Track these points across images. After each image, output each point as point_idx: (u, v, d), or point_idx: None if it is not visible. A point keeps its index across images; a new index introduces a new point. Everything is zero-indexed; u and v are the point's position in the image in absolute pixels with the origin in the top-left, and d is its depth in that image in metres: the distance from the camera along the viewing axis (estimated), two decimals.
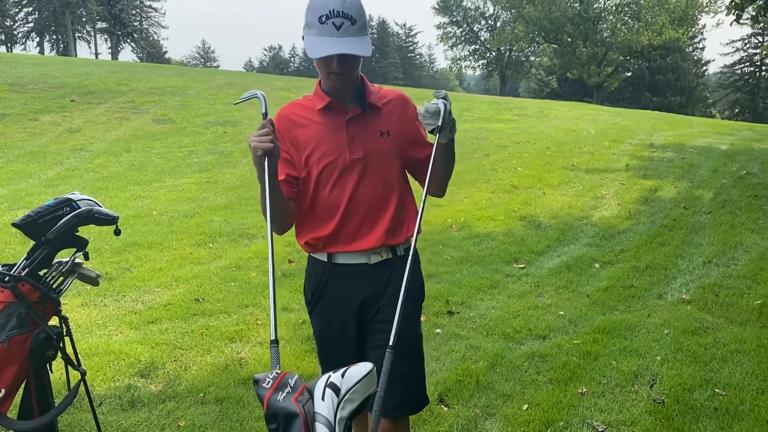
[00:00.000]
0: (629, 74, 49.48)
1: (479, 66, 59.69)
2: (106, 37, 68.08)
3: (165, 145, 12.85)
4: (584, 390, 3.58)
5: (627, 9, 46.04)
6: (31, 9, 63.67)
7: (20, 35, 64.23)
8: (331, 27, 1.91)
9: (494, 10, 56.72)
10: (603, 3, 47.04)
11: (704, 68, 52.33)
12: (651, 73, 47.94)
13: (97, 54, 66.64)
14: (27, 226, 2.48)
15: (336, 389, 1.26)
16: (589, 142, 12.86)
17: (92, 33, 66.82)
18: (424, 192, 1.99)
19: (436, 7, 56.47)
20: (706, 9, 43.70)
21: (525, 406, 3.41)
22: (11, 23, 63.85)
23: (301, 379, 1.31)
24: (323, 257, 2.19)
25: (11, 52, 56.75)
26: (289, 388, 1.27)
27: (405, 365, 2.16)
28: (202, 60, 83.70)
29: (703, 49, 55.63)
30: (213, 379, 3.68)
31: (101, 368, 3.76)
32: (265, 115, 1.99)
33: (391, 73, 73.35)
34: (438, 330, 4.41)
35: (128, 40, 68.63)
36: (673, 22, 43.10)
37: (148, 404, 3.40)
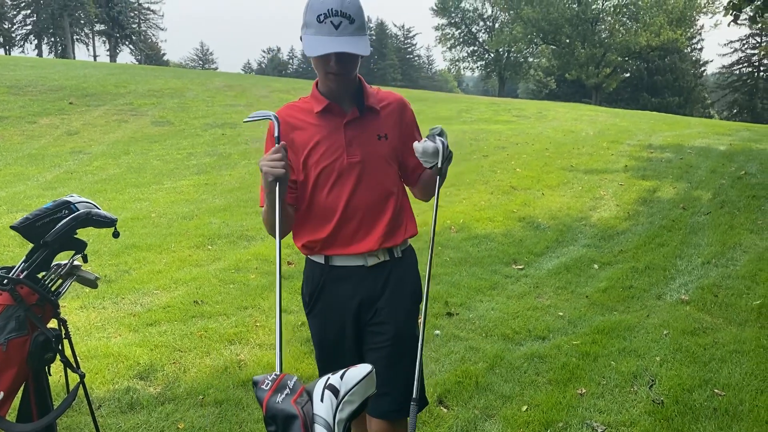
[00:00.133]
0: (627, 75, 49.51)
1: (478, 67, 59.74)
2: (104, 39, 68.06)
3: (163, 147, 12.85)
4: (583, 391, 3.58)
5: (625, 10, 46.08)
6: (29, 11, 63.66)
7: (18, 38, 64.20)
8: (329, 26, 1.91)
9: (492, 12, 56.81)
10: (601, 4, 47.10)
11: (702, 69, 52.39)
12: (649, 73, 47.98)
13: (95, 56, 66.67)
14: (25, 228, 2.47)
15: (335, 391, 1.26)
16: (588, 143, 12.86)
17: (90, 35, 66.82)
18: (435, 210, 1.99)
19: (435, 8, 56.54)
20: (704, 10, 43.80)
21: (524, 407, 3.41)
22: (9, 26, 63.81)
23: (300, 381, 1.30)
24: (320, 259, 2.19)
25: (9, 54, 56.77)
26: (288, 389, 1.26)
27: (402, 367, 2.16)
28: (201, 62, 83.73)
29: (701, 49, 55.62)
30: (212, 381, 3.67)
31: (100, 371, 3.76)
32: (278, 138, 1.99)
33: (389, 75, 73.39)
34: (437, 331, 4.41)
35: (126, 43, 68.61)
36: (671, 22, 43.15)
37: (147, 407, 3.40)
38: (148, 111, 16.47)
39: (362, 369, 1.31)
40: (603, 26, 47.24)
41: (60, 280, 2.57)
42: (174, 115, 16.22)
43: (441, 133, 2.15)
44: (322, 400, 1.25)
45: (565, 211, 7.88)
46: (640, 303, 5.06)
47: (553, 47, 48.80)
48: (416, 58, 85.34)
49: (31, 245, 2.53)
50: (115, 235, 2.69)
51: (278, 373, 1.31)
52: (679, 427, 3.21)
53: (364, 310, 2.17)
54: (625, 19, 46.34)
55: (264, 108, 18.31)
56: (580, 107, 23.88)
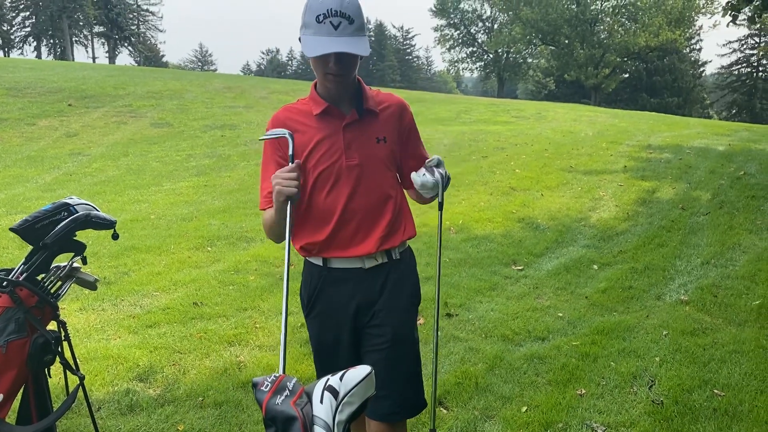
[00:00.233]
0: (627, 76, 49.57)
1: (477, 68, 59.77)
2: (103, 41, 68.07)
3: (163, 149, 12.85)
4: (583, 391, 3.58)
5: (624, 11, 46.12)
6: (28, 13, 63.66)
7: (17, 39, 64.20)
8: (328, 26, 1.90)
9: (491, 12, 56.84)
10: (600, 5, 47.13)
11: (701, 69, 52.46)
12: (648, 74, 48.04)
13: (94, 58, 66.69)
14: (25, 230, 2.48)
15: (334, 392, 1.26)
16: (587, 144, 12.87)
17: (89, 37, 66.81)
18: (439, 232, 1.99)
19: (434, 9, 56.59)
20: (703, 10, 43.82)
21: (524, 408, 3.41)
22: (8, 28, 63.81)
23: (300, 383, 1.31)
24: (318, 261, 2.19)
25: (8, 56, 56.78)
26: (287, 391, 1.27)
27: (401, 369, 2.16)
28: (200, 63, 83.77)
29: (700, 50, 55.77)
30: (212, 383, 3.67)
31: (100, 373, 3.76)
32: (292, 157, 1.98)
33: (388, 76, 73.43)
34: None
35: (125, 44, 68.60)
36: (670, 23, 43.18)
37: (146, 408, 3.40)
38: (147, 113, 16.47)
39: (362, 370, 1.31)
40: (602, 27, 47.27)
41: (59, 282, 2.57)
42: (173, 116, 16.23)
43: (439, 164, 2.15)
44: (321, 402, 1.25)
45: (565, 212, 7.88)
46: (639, 303, 5.06)
47: (552, 48, 48.84)
48: (415, 59, 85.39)
49: (30, 247, 2.53)
50: (115, 237, 2.69)
51: (278, 374, 1.31)
52: (679, 427, 3.21)
53: (362, 312, 2.16)
54: (623, 19, 46.37)
55: (263, 108, 18.25)
56: (579, 108, 23.91)
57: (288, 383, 1.28)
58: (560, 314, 4.79)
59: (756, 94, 49.93)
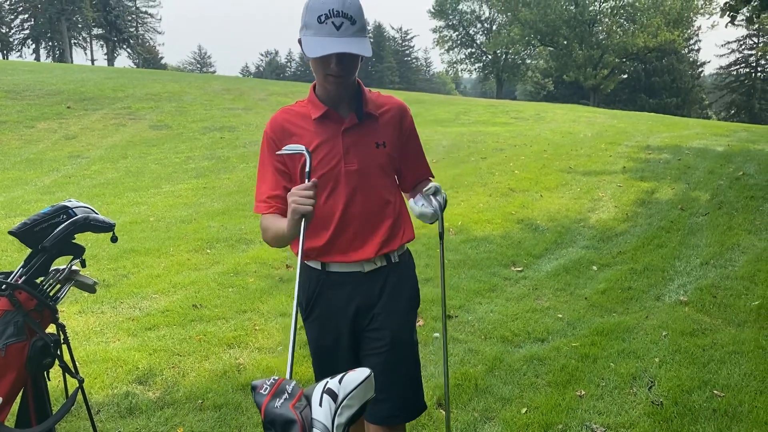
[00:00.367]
0: (625, 76, 49.62)
1: (475, 69, 59.85)
2: (102, 43, 68.10)
3: (162, 151, 12.85)
4: (583, 393, 3.58)
5: (622, 11, 46.18)
6: (26, 16, 63.69)
7: (16, 42, 64.23)
8: (330, 27, 1.87)
9: (490, 14, 56.89)
10: (598, 5, 47.18)
11: (700, 70, 52.53)
12: (647, 75, 48.09)
13: (93, 60, 66.68)
14: (23, 234, 2.47)
15: (333, 395, 1.26)
16: (586, 145, 12.87)
17: (88, 39, 66.83)
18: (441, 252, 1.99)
19: (432, 10, 56.64)
20: (701, 11, 43.85)
21: (524, 410, 3.40)
22: (7, 30, 63.84)
23: (299, 386, 1.30)
24: (317, 265, 2.17)
25: (7, 59, 56.75)
26: (286, 394, 1.26)
27: (400, 372, 2.16)
28: (199, 65, 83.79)
29: (698, 50, 55.84)
30: (211, 386, 3.67)
31: (99, 375, 3.75)
32: (309, 174, 1.93)
33: (387, 77, 73.48)
34: (436, 334, 4.40)
35: (124, 46, 68.65)
36: (668, 24, 43.23)
37: (146, 411, 3.39)
38: (146, 115, 16.47)
39: (361, 373, 1.30)
40: (600, 28, 47.32)
41: (58, 285, 2.57)
42: (172, 118, 16.22)
43: (436, 192, 2.12)
44: (320, 405, 1.25)
45: (564, 213, 7.88)
46: (638, 304, 5.06)
47: (551, 49, 48.88)
48: (414, 60, 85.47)
49: (29, 250, 2.53)
50: (113, 239, 2.69)
51: (277, 377, 1.31)
52: (679, 428, 3.21)
53: (361, 315, 2.16)
54: (622, 20, 46.43)
55: (262, 110, 18.26)
56: (578, 109, 23.92)
57: (287, 386, 1.28)
58: (560, 315, 4.79)
59: (754, 95, 49.99)
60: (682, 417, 3.30)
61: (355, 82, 2.09)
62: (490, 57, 56.31)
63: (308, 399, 1.27)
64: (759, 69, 51.26)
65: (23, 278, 2.46)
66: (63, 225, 2.50)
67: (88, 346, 4.18)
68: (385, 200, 2.14)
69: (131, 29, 68.95)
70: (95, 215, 2.61)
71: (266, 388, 1.26)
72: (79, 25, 64.57)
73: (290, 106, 2.18)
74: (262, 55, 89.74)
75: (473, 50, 58.17)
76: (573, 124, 16.84)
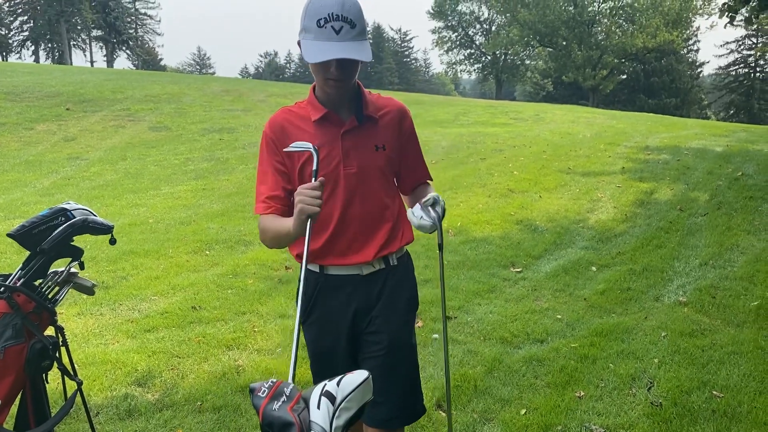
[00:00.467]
0: (624, 77, 49.63)
1: (475, 70, 59.90)
2: (101, 45, 68.14)
3: (161, 153, 12.85)
4: (582, 394, 3.58)
5: (621, 12, 46.20)
6: (26, 17, 63.72)
7: (15, 44, 64.25)
8: (329, 31, 1.85)
9: (489, 14, 56.92)
10: (597, 6, 47.21)
11: (699, 70, 52.55)
12: (646, 75, 48.11)
13: (92, 62, 66.70)
14: (22, 236, 2.47)
15: (331, 398, 1.26)
16: (585, 145, 12.88)
17: (87, 41, 66.86)
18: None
19: (431, 11, 56.66)
20: (700, 11, 43.87)
21: (523, 411, 3.40)
22: (6, 32, 63.85)
23: (297, 388, 1.30)
24: (315, 268, 2.16)
25: (6, 60, 56.73)
26: (284, 397, 1.26)
27: (398, 375, 2.15)
28: (198, 67, 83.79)
29: (697, 51, 56.00)
30: (210, 388, 3.67)
31: (98, 377, 3.75)
32: (316, 173, 1.90)
33: (386, 78, 73.50)
34: (436, 335, 4.41)
35: (123, 48, 68.69)
36: (667, 24, 43.26)
37: (145, 413, 3.39)
38: (145, 116, 16.47)
39: (359, 375, 1.30)
40: (599, 28, 47.34)
41: (57, 288, 2.56)
42: (171, 120, 16.22)
43: (435, 203, 2.08)
44: (318, 407, 1.25)
45: (563, 214, 7.88)
46: (638, 305, 5.06)
47: (550, 50, 48.89)
48: (413, 61, 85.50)
49: (27, 253, 2.53)
50: (112, 242, 2.69)
51: (275, 380, 1.31)
52: (678, 429, 3.21)
53: (360, 318, 2.15)
54: (621, 21, 46.45)
55: (262, 112, 18.24)
56: (577, 109, 23.93)
57: (285, 389, 1.28)
58: (559, 316, 4.79)
59: (753, 95, 50.04)
60: (681, 418, 3.31)
61: (355, 85, 2.07)
62: (489, 58, 56.34)
63: (306, 401, 1.27)
64: (758, 69, 51.32)
65: (21, 281, 2.45)
66: (61, 227, 2.49)
67: (87, 348, 4.18)
68: (384, 203, 2.13)
69: (130, 31, 68.99)
70: (94, 217, 2.61)
71: (264, 391, 1.26)
72: (79, 27, 64.59)
73: (290, 107, 2.16)
74: (261, 56, 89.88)
75: (472, 51, 58.20)
76: (572, 125, 16.84)
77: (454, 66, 59.29)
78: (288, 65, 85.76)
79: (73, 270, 2.62)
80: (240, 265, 5.99)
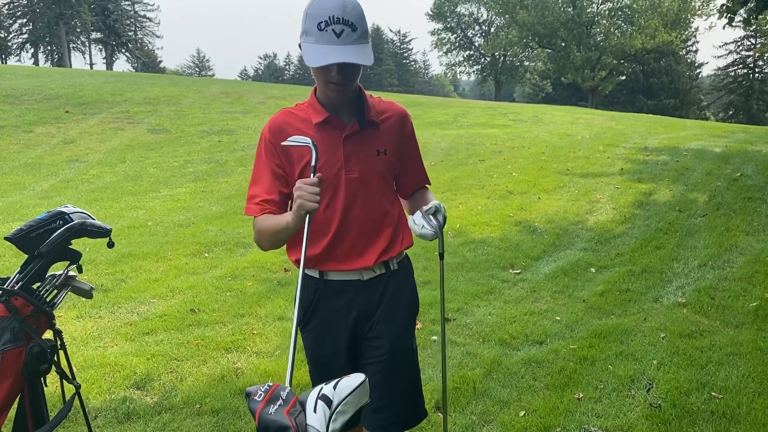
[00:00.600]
0: (623, 78, 49.68)
1: (474, 71, 59.94)
2: (100, 47, 68.19)
3: (160, 155, 12.85)
4: (581, 395, 3.58)
5: (620, 13, 46.26)
6: (25, 20, 63.74)
7: (14, 46, 64.27)
8: (330, 34, 1.83)
9: (488, 16, 56.99)
10: (596, 7, 47.28)
11: (698, 71, 52.60)
12: (645, 76, 48.16)
13: (91, 64, 66.71)
14: (20, 239, 2.47)
15: (328, 401, 1.26)
16: (584, 147, 12.89)
17: (87, 43, 66.90)
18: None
19: (430, 13, 56.70)
20: (699, 12, 43.92)
21: (522, 413, 3.40)
22: (5, 35, 63.87)
23: (293, 392, 1.30)
24: (315, 274, 2.13)
25: (6, 63, 56.77)
26: (281, 400, 1.26)
27: (399, 380, 2.13)
28: (197, 69, 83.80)
29: (696, 51, 55.97)
30: (209, 390, 3.66)
31: (96, 381, 3.75)
32: (315, 168, 1.88)
33: (386, 80, 73.54)
34: (434, 337, 4.40)
35: (123, 50, 68.73)
36: (666, 25, 43.31)
37: (143, 416, 3.39)
38: (144, 119, 16.47)
39: (355, 379, 1.30)
40: (598, 29, 47.40)
41: (55, 291, 2.56)
42: (170, 122, 16.23)
43: (437, 212, 2.06)
44: (315, 411, 1.25)
45: (562, 215, 7.88)
46: (637, 306, 5.06)
47: (549, 51, 48.94)
48: (412, 63, 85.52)
49: (26, 256, 2.53)
50: (110, 245, 2.68)
51: (271, 383, 1.31)
52: (677, 430, 3.21)
53: (361, 324, 2.12)
54: (620, 22, 46.51)
55: (261, 114, 18.21)
56: (576, 110, 23.94)
57: (281, 392, 1.28)
58: (558, 318, 4.79)
59: (752, 96, 50.09)
60: (680, 419, 3.31)
61: (356, 88, 2.05)
62: (488, 59, 56.40)
63: (303, 405, 1.27)
64: (756, 70, 51.37)
65: (20, 284, 2.45)
66: (59, 231, 2.49)
67: (86, 351, 4.18)
68: (385, 208, 2.12)
69: (130, 33, 69.03)
70: (92, 221, 2.61)
71: (260, 395, 1.26)
72: (78, 30, 64.65)
73: (290, 108, 2.13)
74: (260, 58, 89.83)
75: (471, 52, 58.26)
76: (571, 126, 16.85)
77: (453, 67, 59.38)
78: (287, 67, 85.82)
79: (71, 273, 2.61)
80: (239, 268, 5.99)
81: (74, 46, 65.78)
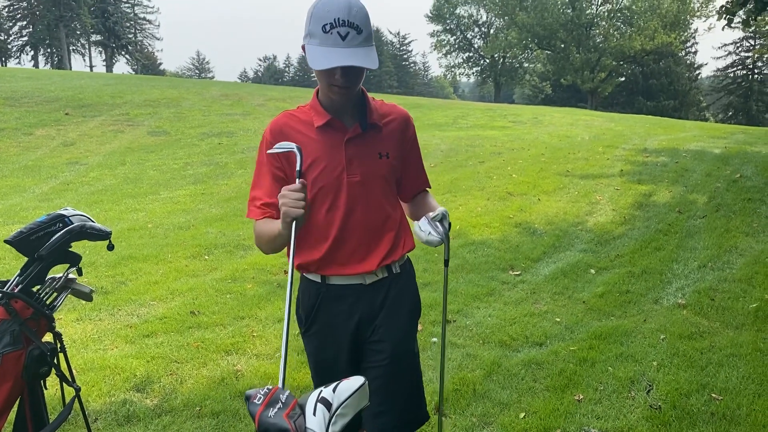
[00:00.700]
0: (623, 79, 49.73)
1: (473, 73, 59.96)
2: (100, 49, 68.24)
3: (160, 157, 12.85)
4: (581, 397, 3.58)
5: (619, 15, 46.31)
6: (25, 23, 63.78)
7: (14, 49, 64.29)
8: (335, 37, 1.80)
9: (487, 18, 57.03)
10: (595, 9, 47.33)
11: (697, 72, 52.65)
12: (644, 77, 48.21)
13: (91, 67, 66.75)
14: (19, 242, 2.48)
15: (327, 404, 1.26)
16: (584, 148, 12.89)
17: (87, 46, 66.93)
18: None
19: (430, 15, 56.74)
20: (698, 13, 44.00)
21: (522, 414, 3.40)
22: (5, 37, 63.90)
23: (293, 395, 1.30)
24: (317, 278, 2.12)
25: (5, 66, 56.82)
26: (280, 404, 1.26)
27: (401, 384, 2.12)
28: (197, 71, 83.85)
29: (695, 53, 56.00)
30: (209, 393, 3.66)
31: (96, 383, 3.75)
32: (300, 173, 1.87)
33: (385, 82, 73.59)
34: (434, 339, 4.40)
35: (123, 53, 68.76)
36: (665, 26, 43.37)
37: (143, 419, 3.39)
38: (144, 121, 16.48)
39: (354, 382, 1.30)
40: (597, 31, 47.46)
41: (55, 294, 2.57)
42: (170, 124, 16.24)
43: (443, 218, 2.04)
44: (314, 414, 1.25)
45: (562, 217, 7.89)
46: (636, 308, 5.06)
47: (548, 52, 48.99)
48: (412, 64, 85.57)
49: (25, 259, 2.53)
50: (110, 247, 2.69)
51: (271, 387, 1.31)
52: None
53: (363, 328, 2.11)
54: (619, 23, 46.56)
55: (261, 116, 18.22)
56: (575, 112, 23.96)
57: (281, 396, 1.28)
58: (558, 319, 4.79)
59: (752, 96, 50.13)
60: (680, 421, 3.30)
61: (359, 91, 2.04)
62: (487, 61, 56.42)
63: (302, 408, 1.27)
64: (756, 71, 51.41)
65: (19, 287, 2.46)
66: (59, 234, 2.50)
67: (86, 354, 4.18)
68: (387, 212, 2.10)
69: (129, 35, 69.07)
70: (91, 223, 2.61)
71: (260, 398, 1.27)
72: (78, 32, 64.68)
73: (292, 111, 2.11)
74: (260, 60, 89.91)
75: (471, 54, 58.29)
76: (570, 128, 16.86)
77: (452, 69, 59.41)
78: (287, 69, 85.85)
79: (71, 276, 2.62)
80: (239, 270, 5.99)
81: (74, 48, 65.84)
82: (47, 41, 63.30)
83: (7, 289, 2.43)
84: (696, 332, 4.45)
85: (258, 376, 3.88)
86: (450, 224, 2.09)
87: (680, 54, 49.39)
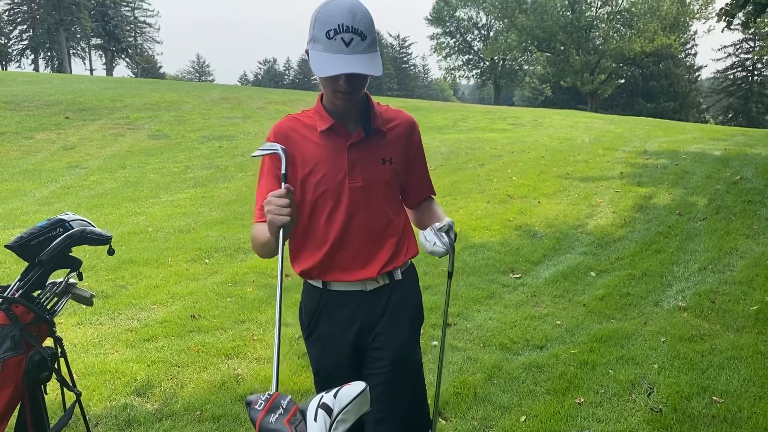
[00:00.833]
0: (622, 81, 49.78)
1: (473, 75, 60.04)
2: (100, 53, 68.32)
3: (160, 161, 12.86)
4: (582, 400, 3.58)
5: (619, 17, 46.39)
6: (25, 26, 63.87)
7: (15, 53, 64.38)
8: (339, 43, 1.78)
9: (487, 20, 57.11)
10: (595, 11, 47.41)
11: (697, 74, 52.68)
12: (644, 79, 48.24)
13: (91, 70, 66.82)
14: (20, 247, 2.48)
15: (328, 410, 1.26)
16: (584, 150, 12.90)
17: (87, 49, 66.99)
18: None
19: (429, 17, 56.83)
20: (698, 15, 44.04)
21: (523, 418, 3.40)
22: (6, 41, 64.01)
23: (294, 401, 1.30)
24: (318, 284, 2.12)
25: (6, 69, 56.85)
26: (281, 409, 1.26)
27: (402, 391, 2.11)
28: (197, 74, 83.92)
29: (695, 55, 56.06)
30: (210, 397, 3.66)
31: (97, 388, 3.75)
32: (285, 176, 1.84)
33: (385, 85, 73.58)
34: (435, 342, 4.40)
35: (123, 56, 68.84)
36: (665, 28, 43.41)
37: (144, 423, 3.39)
38: (144, 124, 16.50)
39: (356, 387, 1.30)
40: (597, 33, 47.53)
41: (55, 299, 2.57)
42: (170, 128, 16.25)
43: (449, 229, 2.03)
44: (315, 420, 1.25)
45: (562, 219, 7.89)
46: (637, 310, 5.06)
47: (548, 55, 49.06)
48: (412, 67, 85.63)
49: (26, 264, 2.53)
50: (110, 252, 2.69)
51: (272, 392, 1.31)
52: None
53: (364, 334, 2.10)
54: (618, 25, 46.64)
55: (261, 119, 18.22)
56: (575, 114, 23.97)
57: (282, 401, 1.28)
58: (558, 322, 4.79)
59: (751, 98, 50.14)
60: (681, 424, 3.30)
61: (364, 96, 2.03)
62: (487, 63, 56.49)
63: (303, 414, 1.27)
64: (756, 73, 51.44)
65: (20, 292, 2.46)
66: (59, 238, 2.50)
67: (87, 358, 4.17)
68: (389, 218, 2.09)
69: (130, 39, 69.15)
70: (92, 228, 2.61)
71: (261, 404, 1.27)
72: (78, 36, 64.75)
73: (296, 114, 2.10)
74: (260, 63, 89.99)
75: (471, 57, 58.38)
76: (570, 130, 16.87)
77: (452, 72, 59.49)
78: (287, 72, 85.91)
79: (71, 281, 2.62)
80: (239, 274, 5.99)
81: (74, 52, 65.90)
82: (47, 45, 63.39)
83: (7, 294, 2.43)
84: (696, 335, 4.45)
85: (259, 380, 3.88)
86: (456, 235, 2.07)
87: (680, 56, 49.45)
